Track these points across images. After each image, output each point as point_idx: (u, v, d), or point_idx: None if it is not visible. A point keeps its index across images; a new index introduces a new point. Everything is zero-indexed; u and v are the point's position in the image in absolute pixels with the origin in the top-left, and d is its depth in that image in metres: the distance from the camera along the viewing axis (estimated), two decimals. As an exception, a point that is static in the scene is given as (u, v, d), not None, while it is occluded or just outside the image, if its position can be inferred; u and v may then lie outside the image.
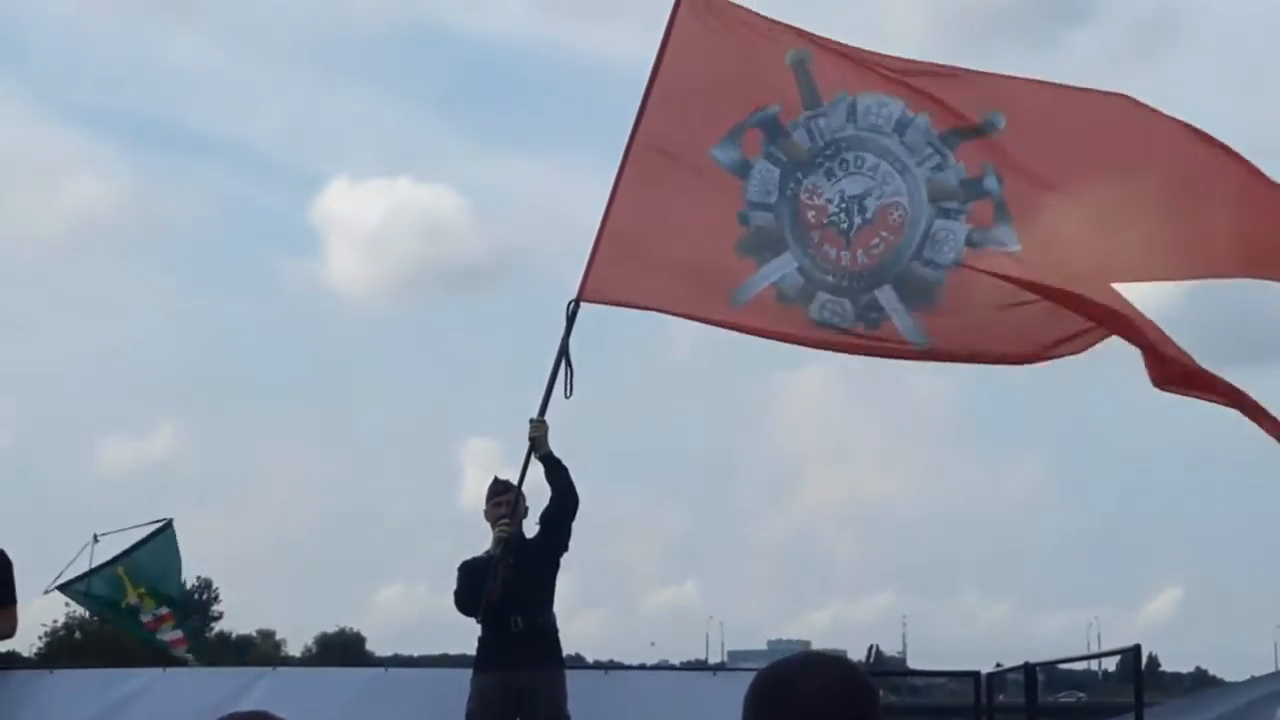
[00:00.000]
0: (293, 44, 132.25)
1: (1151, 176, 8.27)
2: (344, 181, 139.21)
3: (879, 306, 8.56)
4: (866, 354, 8.88)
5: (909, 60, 8.85)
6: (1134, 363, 8.26)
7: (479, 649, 9.88)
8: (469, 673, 10.02)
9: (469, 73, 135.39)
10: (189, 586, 23.54)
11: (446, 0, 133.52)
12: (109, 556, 17.72)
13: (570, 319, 8.90)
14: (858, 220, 8.65)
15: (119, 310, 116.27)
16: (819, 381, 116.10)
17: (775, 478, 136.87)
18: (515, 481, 9.67)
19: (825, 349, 8.89)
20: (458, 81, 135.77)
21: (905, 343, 8.55)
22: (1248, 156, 8.23)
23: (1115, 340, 8.36)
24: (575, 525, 9.82)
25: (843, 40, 8.93)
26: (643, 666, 22.81)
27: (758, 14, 8.95)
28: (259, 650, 68.20)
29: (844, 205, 8.67)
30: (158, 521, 18.22)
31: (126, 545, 17.90)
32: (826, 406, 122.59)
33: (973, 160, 8.58)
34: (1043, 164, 8.52)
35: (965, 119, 8.62)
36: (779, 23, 8.93)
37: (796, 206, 8.70)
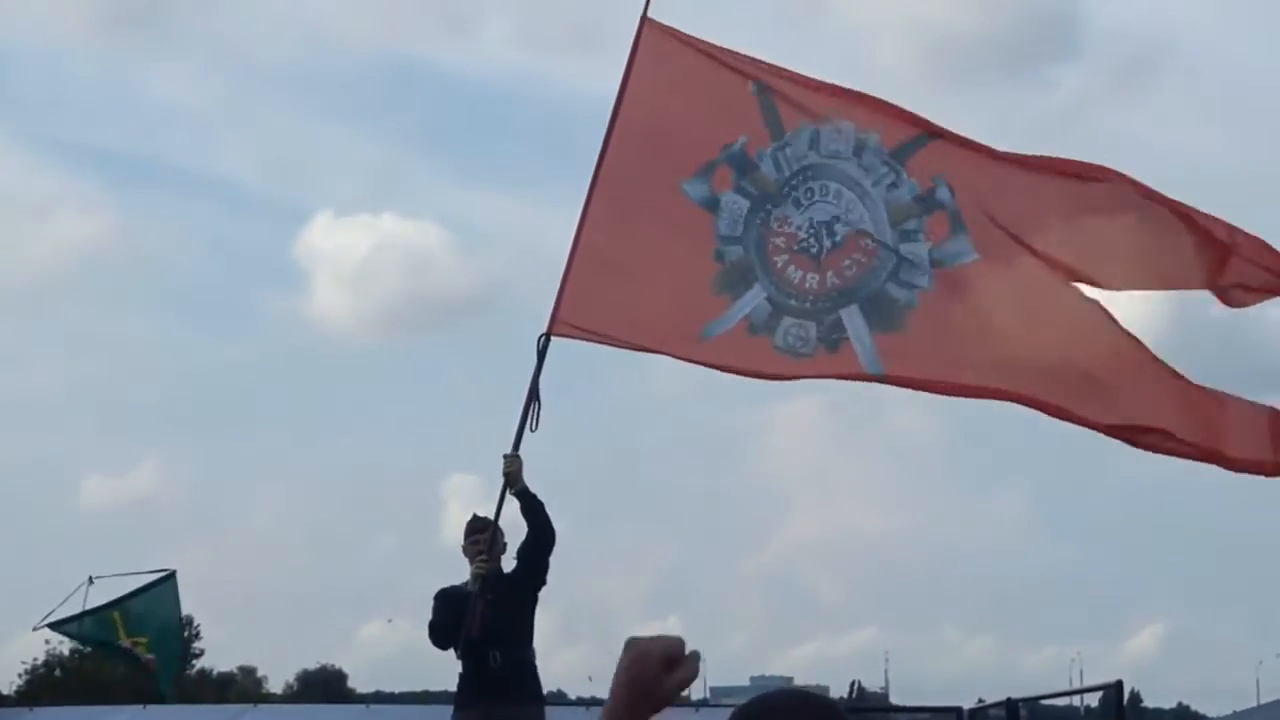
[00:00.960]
0: (276, 79, 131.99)
1: (1093, 188, 8.38)
2: (328, 217, 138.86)
3: (841, 327, 8.53)
4: (821, 377, 8.87)
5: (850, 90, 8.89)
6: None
7: (459, 685, 9.85)
8: (450, 709, 9.99)
9: (454, 107, 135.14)
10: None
11: (430, 35, 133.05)
12: (104, 600, 17.74)
13: (541, 353, 8.86)
14: (827, 244, 8.65)
15: (103, 346, 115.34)
16: (803, 415, 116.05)
17: (760, 512, 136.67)
18: (492, 517, 9.63)
19: (786, 379, 8.87)
20: (442, 116, 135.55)
21: (861, 369, 8.52)
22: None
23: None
24: (556, 560, 9.81)
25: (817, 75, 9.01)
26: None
27: (717, 46, 8.96)
28: (240, 687, 67.86)
29: (813, 230, 8.67)
30: (159, 571, 18.24)
31: (123, 591, 17.92)
32: (811, 441, 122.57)
33: (924, 173, 8.62)
34: (986, 168, 8.59)
35: (909, 129, 8.67)
36: (739, 54, 8.95)
37: (764, 234, 8.69)
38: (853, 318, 8.54)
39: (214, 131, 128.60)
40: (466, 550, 9.79)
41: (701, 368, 8.87)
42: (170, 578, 18.18)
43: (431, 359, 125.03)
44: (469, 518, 9.96)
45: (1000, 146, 8.69)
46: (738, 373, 8.86)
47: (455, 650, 9.66)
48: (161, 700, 18.05)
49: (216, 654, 71.24)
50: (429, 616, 9.85)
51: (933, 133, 8.69)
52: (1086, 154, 8.57)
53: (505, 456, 9.23)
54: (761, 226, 8.71)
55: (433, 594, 9.97)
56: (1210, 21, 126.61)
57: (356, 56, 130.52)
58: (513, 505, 9.50)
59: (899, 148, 8.68)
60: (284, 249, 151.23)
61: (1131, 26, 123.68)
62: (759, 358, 8.63)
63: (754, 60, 8.95)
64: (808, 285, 8.62)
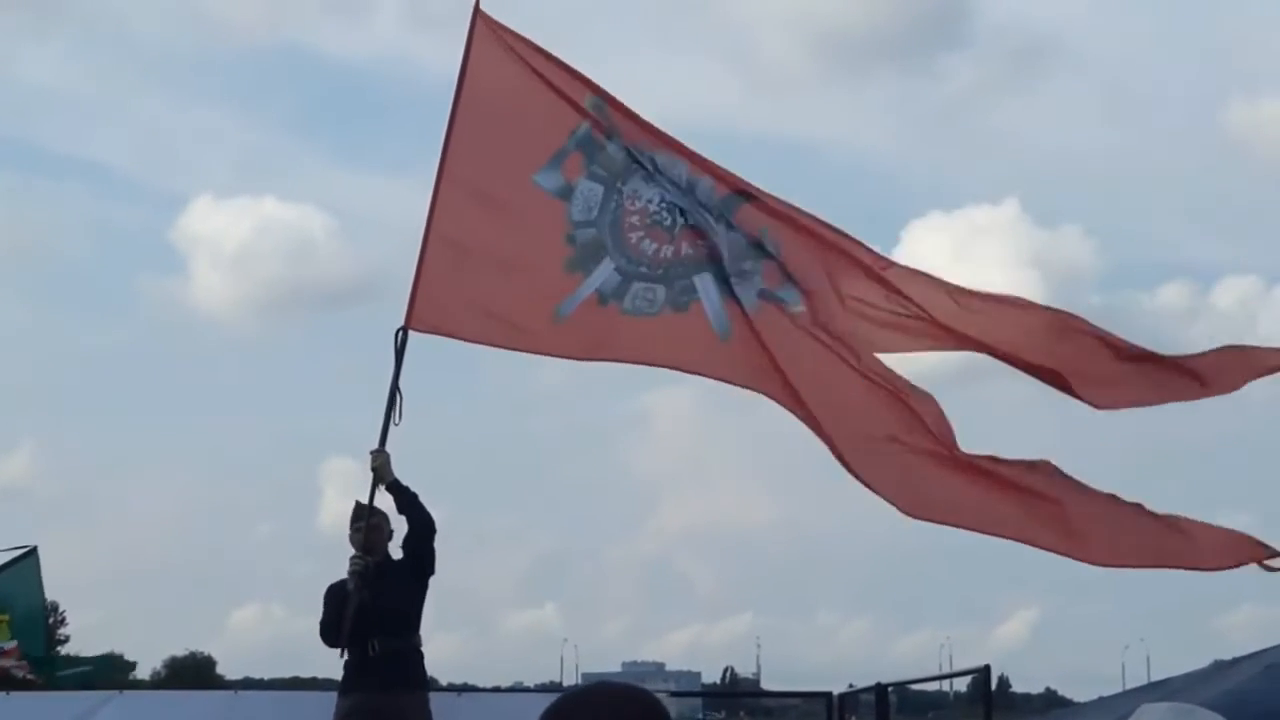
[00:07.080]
0: (155, 61, 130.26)
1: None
2: (207, 200, 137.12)
3: (693, 290, 8.56)
4: (666, 363, 8.81)
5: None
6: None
7: (344, 672, 9.86)
8: (318, 695, 9.98)
9: (336, 92, 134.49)
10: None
11: (314, 20, 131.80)
12: None
13: (399, 348, 8.75)
14: (680, 221, 8.68)
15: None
16: (677, 404, 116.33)
17: (635, 500, 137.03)
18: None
19: (636, 360, 8.83)
20: (325, 101, 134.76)
21: (708, 326, 8.51)
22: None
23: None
24: (437, 546, 9.79)
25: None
26: (497, 689, 22.75)
27: (550, 54, 8.91)
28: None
29: (665, 205, 8.70)
30: (21, 548, 17.89)
31: None
32: (684, 429, 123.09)
33: (750, 225, 8.65)
34: (810, 224, 8.64)
35: (736, 183, 8.71)
36: (572, 68, 8.92)
37: (620, 216, 8.70)
38: (705, 282, 8.58)
39: (91, 114, 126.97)
40: (351, 539, 9.75)
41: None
42: (32, 553, 17.83)
43: (311, 343, 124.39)
44: (353, 505, 9.88)
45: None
46: (589, 357, 8.84)
47: (340, 650, 9.63)
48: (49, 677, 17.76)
49: (82, 640, 70.10)
50: (302, 603, 9.81)
51: (749, 195, 8.71)
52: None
53: (371, 452, 9.20)
54: (617, 209, 8.73)
55: (308, 581, 9.97)
56: (1100, 12, 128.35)
57: (240, 39, 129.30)
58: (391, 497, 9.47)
59: (728, 197, 8.71)
60: (162, 232, 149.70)
61: (1023, 17, 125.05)
62: (608, 325, 8.63)
63: (586, 78, 8.90)
64: (661, 256, 8.66)
